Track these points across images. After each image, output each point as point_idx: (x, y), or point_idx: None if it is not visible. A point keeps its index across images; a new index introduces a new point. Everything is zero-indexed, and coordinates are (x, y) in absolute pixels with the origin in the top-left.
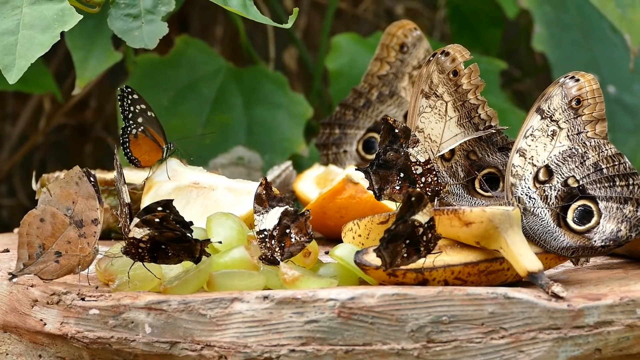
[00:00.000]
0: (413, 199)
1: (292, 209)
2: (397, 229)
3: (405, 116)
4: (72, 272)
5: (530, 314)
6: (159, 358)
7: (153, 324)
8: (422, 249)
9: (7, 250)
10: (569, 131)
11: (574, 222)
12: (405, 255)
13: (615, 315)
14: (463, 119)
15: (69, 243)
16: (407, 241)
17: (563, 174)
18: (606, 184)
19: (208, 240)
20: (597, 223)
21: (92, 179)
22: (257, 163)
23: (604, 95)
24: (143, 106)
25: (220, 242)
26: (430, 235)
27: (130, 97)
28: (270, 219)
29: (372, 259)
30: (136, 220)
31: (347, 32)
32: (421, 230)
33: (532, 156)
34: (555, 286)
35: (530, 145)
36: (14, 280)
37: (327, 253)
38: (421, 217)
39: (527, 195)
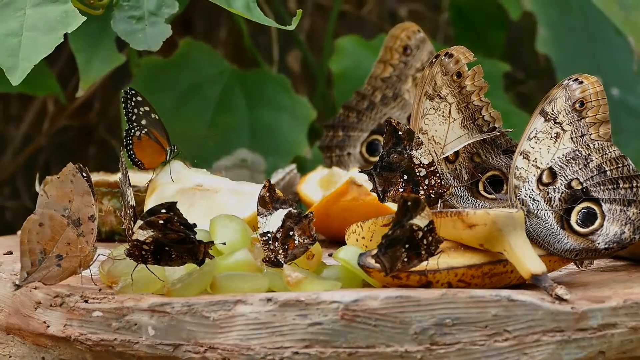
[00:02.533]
0: (409, 203)
1: (295, 211)
2: (394, 234)
3: (408, 118)
4: (75, 273)
5: (534, 316)
6: None
7: (156, 326)
8: (423, 252)
9: (10, 253)
10: (572, 133)
11: (578, 224)
12: (405, 259)
13: (619, 318)
14: (467, 121)
15: (68, 245)
16: (407, 245)
17: (567, 176)
18: (610, 186)
19: (211, 242)
20: (601, 225)
21: (84, 174)
22: (261, 165)
23: (608, 98)
24: (147, 108)
25: (224, 244)
26: (431, 238)
27: (134, 99)
28: (273, 221)
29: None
30: (140, 222)
31: (351, 35)
32: (421, 234)
33: (535, 158)
34: (558, 288)
35: (533, 148)
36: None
37: (330, 255)
38: (419, 221)
39: (530, 197)
